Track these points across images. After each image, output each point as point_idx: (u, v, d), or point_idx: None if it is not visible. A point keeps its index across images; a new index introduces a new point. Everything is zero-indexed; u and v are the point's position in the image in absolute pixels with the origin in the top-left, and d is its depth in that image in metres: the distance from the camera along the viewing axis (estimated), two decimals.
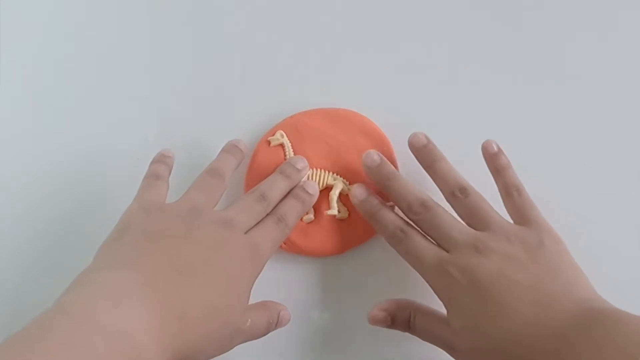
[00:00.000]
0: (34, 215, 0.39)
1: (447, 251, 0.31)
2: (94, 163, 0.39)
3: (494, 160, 0.34)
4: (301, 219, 0.36)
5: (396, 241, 0.33)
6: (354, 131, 0.37)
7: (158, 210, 0.31)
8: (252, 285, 0.31)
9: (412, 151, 0.35)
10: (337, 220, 0.36)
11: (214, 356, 0.29)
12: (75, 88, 0.40)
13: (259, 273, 0.31)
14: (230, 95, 0.39)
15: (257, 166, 0.37)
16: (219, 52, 0.40)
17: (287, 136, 0.37)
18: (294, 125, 0.37)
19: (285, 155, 0.37)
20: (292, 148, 0.37)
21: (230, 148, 0.36)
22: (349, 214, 0.36)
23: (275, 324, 0.33)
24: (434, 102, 0.39)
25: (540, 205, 0.33)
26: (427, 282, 0.31)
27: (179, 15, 0.41)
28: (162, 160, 0.35)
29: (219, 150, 0.36)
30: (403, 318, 0.33)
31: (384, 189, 0.34)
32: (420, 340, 0.32)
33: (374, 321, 0.33)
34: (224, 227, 0.30)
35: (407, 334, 0.33)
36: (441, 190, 0.33)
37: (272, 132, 0.37)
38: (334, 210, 0.36)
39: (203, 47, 0.40)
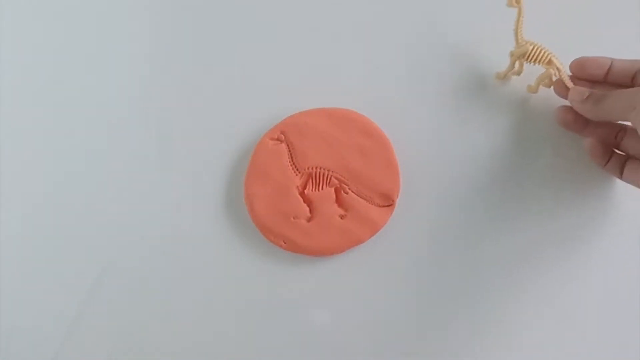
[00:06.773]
0: (34, 215, 0.39)
1: None
2: (94, 163, 0.39)
3: None
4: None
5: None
6: (354, 131, 0.37)
7: None
8: None
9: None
10: (337, 220, 0.36)
11: None
12: (75, 88, 0.40)
13: None
14: (231, 95, 0.39)
15: (257, 166, 0.37)
16: (219, 52, 0.40)
17: (288, 135, 0.37)
18: (295, 125, 0.37)
19: (289, 154, 0.37)
20: (293, 147, 0.37)
21: None
22: (349, 215, 0.36)
23: None
24: (434, 102, 0.39)
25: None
26: None
27: (179, 15, 0.41)
28: None
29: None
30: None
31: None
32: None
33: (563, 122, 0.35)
34: None
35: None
36: None
37: (272, 132, 0.37)
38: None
39: (203, 47, 0.40)
